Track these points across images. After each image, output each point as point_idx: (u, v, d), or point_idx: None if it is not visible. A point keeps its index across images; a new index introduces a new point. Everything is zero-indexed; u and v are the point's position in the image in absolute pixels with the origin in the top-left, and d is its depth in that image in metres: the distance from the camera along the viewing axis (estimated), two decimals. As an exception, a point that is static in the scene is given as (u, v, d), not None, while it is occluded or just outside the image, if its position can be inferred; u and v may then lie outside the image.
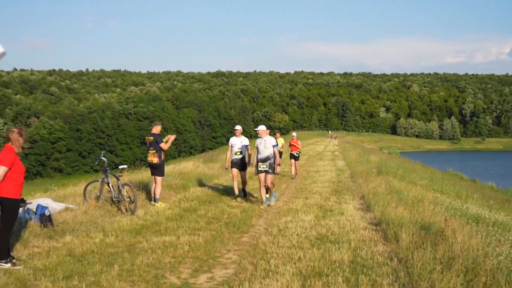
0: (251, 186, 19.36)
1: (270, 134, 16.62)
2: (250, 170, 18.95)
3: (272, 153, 15.55)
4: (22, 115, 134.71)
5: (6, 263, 8.44)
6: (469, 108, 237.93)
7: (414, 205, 13.96)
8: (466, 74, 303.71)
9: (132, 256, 9.15)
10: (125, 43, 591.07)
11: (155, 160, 15.10)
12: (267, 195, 16.00)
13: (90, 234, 10.91)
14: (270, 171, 15.45)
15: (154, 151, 15.12)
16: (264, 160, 15.50)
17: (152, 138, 15.16)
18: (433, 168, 48.66)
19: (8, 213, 8.70)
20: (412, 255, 8.63)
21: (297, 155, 26.04)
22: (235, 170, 17.14)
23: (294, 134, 27.95)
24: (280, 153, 25.50)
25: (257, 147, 15.83)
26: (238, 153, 16.95)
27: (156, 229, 11.69)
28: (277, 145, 16.12)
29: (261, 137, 15.82)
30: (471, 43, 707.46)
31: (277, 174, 16.54)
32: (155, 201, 15.23)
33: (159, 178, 15.25)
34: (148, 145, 15.28)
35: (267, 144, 15.56)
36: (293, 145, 26.32)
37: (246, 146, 17.11)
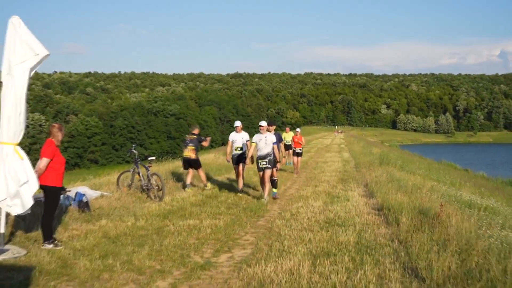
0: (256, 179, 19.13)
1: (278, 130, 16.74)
2: (250, 167, 17.61)
3: (272, 150, 13.95)
4: (62, 112, 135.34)
5: (49, 244, 8.49)
6: (462, 105, 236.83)
7: (413, 192, 13.91)
8: (460, 74, 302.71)
9: (160, 238, 9.18)
10: (152, 48, 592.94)
11: (193, 155, 15.53)
12: (274, 190, 14.78)
13: (123, 218, 10.96)
14: (270, 166, 13.88)
15: (194, 147, 15.54)
16: (263, 157, 13.93)
17: (194, 136, 15.78)
18: (429, 159, 48.51)
19: (51, 199, 8.76)
20: (411, 237, 8.61)
21: (301, 151, 23.50)
22: (236, 167, 15.72)
23: (298, 130, 25.15)
24: (290, 147, 24.91)
25: (256, 144, 14.26)
26: (239, 149, 15.51)
27: (182, 213, 11.72)
28: (277, 142, 14.41)
29: (261, 133, 14.13)
30: (464, 46, 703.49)
31: (277, 170, 14.75)
32: (205, 186, 15.95)
33: (200, 169, 15.89)
34: (188, 142, 15.70)
35: (267, 141, 13.95)
36: (296, 141, 23.45)
37: (247, 141, 15.63)
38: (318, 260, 7.47)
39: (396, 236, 9.02)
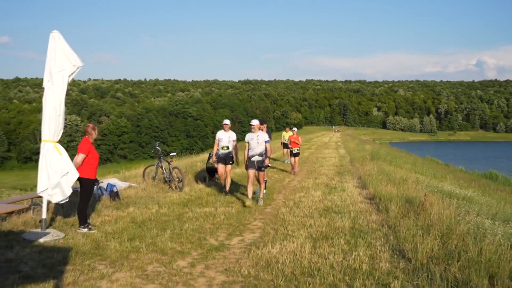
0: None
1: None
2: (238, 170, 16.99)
3: (265, 149, 12.04)
4: (95, 114, 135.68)
5: (84, 228, 8.55)
6: (443, 107, 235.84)
7: (400, 183, 13.89)
8: (441, 81, 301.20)
9: (180, 223, 9.21)
10: (173, 58, 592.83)
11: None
12: (264, 190, 12.68)
13: (148, 206, 11.00)
14: (263, 168, 12.06)
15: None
16: (256, 156, 12.06)
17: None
18: (415, 155, 48.32)
19: (86, 189, 8.81)
20: (399, 223, 8.61)
21: (298, 151, 19.66)
22: (221, 166, 13.29)
23: (294, 129, 21.14)
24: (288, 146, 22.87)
25: (248, 143, 12.18)
26: (225, 147, 13.18)
27: (199, 202, 11.75)
28: (269, 141, 12.26)
29: (253, 132, 12.15)
30: (446, 56, 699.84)
31: (266, 167, 12.49)
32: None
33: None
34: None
35: (259, 139, 12.01)
36: (293, 141, 19.77)
37: (234, 141, 13.40)
38: (318, 243, 7.48)
39: (386, 222, 9.01)
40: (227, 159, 13.22)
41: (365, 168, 19.79)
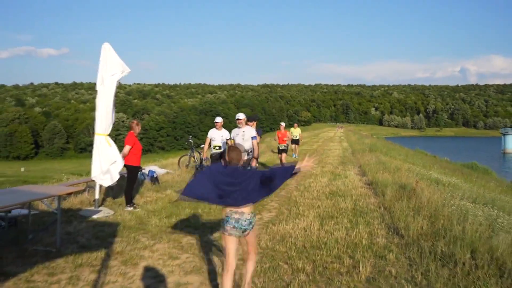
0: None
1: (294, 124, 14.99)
2: None
3: (251, 146, 9.08)
4: (138, 112, 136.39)
5: (130, 207, 8.62)
6: (431, 107, 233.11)
7: (395, 172, 13.76)
8: (430, 85, 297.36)
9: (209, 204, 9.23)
10: (203, 65, 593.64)
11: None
12: None
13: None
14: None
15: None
16: None
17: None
18: (407, 148, 47.76)
19: (131, 175, 8.88)
20: (393, 205, 8.53)
21: (285, 148, 16.38)
22: None
23: (282, 123, 17.69)
24: (298, 141, 21.76)
25: (233, 139, 9.45)
26: (217, 147, 10.44)
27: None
28: (255, 137, 9.26)
29: (239, 127, 9.31)
30: (434, 64, 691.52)
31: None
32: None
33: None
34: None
35: (245, 135, 9.13)
36: (280, 137, 16.52)
37: (227, 140, 10.42)
38: (325, 221, 7.46)
39: (382, 204, 8.95)
40: (219, 158, 10.07)
41: (365, 158, 19.66)
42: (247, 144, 8.99)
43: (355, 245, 6.08)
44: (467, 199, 9.97)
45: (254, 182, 4.11)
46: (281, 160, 16.11)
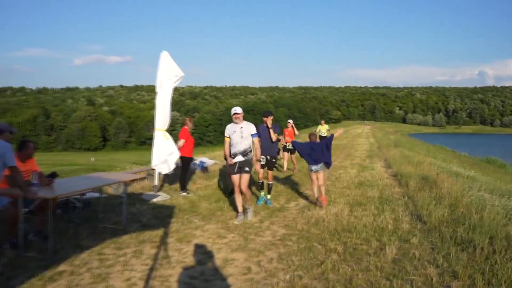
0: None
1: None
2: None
3: (250, 145, 6.77)
4: (190, 111, 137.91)
5: (184, 192, 8.75)
6: (451, 107, 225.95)
7: (417, 165, 13.42)
8: (450, 87, 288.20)
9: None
10: (246, 69, 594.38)
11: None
12: (268, 196, 8.09)
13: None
14: (247, 169, 6.67)
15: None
16: (239, 155, 6.69)
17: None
18: (428, 144, 46.50)
19: (185, 164, 9.01)
20: (416, 194, 8.32)
21: (293, 147, 11.55)
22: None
23: (290, 121, 13.52)
24: (324, 138, 16.74)
25: (229, 137, 6.80)
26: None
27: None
28: (256, 134, 6.82)
29: (237, 123, 6.76)
30: (453, 68, 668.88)
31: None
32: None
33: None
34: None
35: (243, 132, 6.69)
36: (287, 134, 12.44)
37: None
38: (354, 208, 7.35)
39: (406, 194, 8.74)
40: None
41: (390, 152, 19.27)
42: (245, 142, 6.71)
43: (381, 229, 5.97)
44: (484, 190, 9.59)
45: (321, 150, 7.63)
46: (284, 159, 12.77)
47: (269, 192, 8.13)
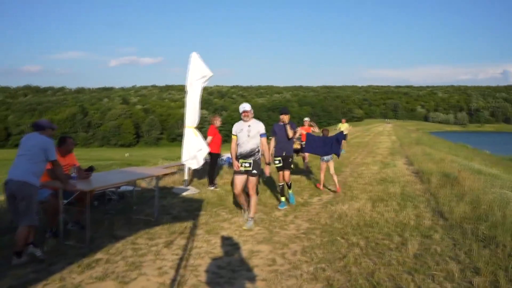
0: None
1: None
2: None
3: (258, 145, 6.01)
4: (218, 109, 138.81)
5: (212, 186, 8.81)
6: (474, 106, 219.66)
7: (439, 162, 13.11)
8: (472, 85, 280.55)
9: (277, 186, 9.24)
10: (271, 69, 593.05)
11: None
12: (290, 190, 7.48)
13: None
14: (255, 171, 5.97)
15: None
16: (245, 156, 5.99)
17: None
18: (450, 142, 45.36)
19: (213, 160, 9.06)
20: (438, 191, 8.13)
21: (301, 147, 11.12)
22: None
23: (306, 119, 12.64)
24: (345, 136, 15.54)
25: (236, 136, 6.13)
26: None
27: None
28: (265, 134, 6.04)
29: (245, 121, 6.04)
30: (476, 67, 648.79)
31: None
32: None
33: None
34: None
35: (251, 131, 5.95)
36: (304, 134, 10.60)
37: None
38: (376, 203, 7.24)
39: (428, 190, 8.55)
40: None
41: (411, 150, 18.90)
42: (253, 142, 5.99)
43: (403, 225, 5.86)
44: (507, 188, 9.28)
45: (331, 143, 8.61)
46: (304, 159, 11.96)
47: (289, 187, 7.51)
